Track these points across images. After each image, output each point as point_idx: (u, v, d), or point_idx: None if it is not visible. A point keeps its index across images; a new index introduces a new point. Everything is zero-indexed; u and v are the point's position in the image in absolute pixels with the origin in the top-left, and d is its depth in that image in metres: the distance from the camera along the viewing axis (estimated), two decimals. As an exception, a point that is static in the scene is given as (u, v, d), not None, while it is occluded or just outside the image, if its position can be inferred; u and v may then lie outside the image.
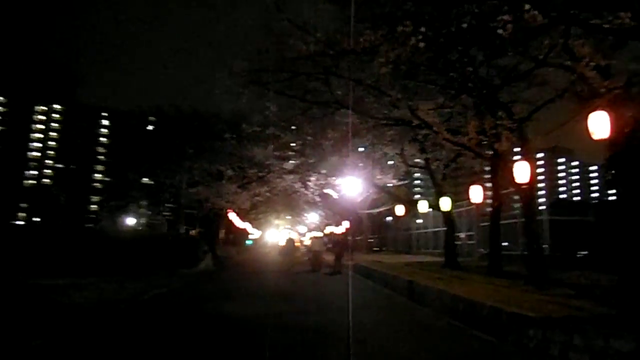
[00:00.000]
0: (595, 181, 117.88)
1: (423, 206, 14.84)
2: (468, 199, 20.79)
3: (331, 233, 34.05)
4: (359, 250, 34.67)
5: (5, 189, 72.38)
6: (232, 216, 31.38)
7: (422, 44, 6.93)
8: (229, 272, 17.10)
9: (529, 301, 6.55)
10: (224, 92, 10.12)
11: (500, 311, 5.91)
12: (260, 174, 21.97)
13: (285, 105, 11.76)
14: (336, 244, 20.78)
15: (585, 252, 15.97)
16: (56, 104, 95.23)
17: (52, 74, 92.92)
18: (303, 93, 11.04)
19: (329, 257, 19.27)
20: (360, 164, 16.51)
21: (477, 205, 18.63)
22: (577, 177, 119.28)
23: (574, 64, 7.71)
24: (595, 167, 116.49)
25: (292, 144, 15.14)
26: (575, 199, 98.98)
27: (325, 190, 22.57)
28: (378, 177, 18.30)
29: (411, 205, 18.35)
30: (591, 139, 6.38)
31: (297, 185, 21.76)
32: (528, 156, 9.06)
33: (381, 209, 27.74)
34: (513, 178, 9.26)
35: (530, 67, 11.16)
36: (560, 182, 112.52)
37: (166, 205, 31.67)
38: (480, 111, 10.99)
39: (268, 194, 24.02)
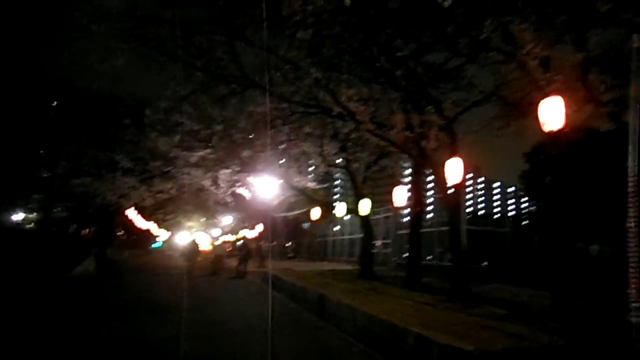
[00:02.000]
0: (497, 197, 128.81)
1: (341, 209, 13.57)
2: (386, 204, 20.26)
3: (243, 237, 31.98)
4: (273, 257, 32.97)
5: None
6: (132, 214, 27.98)
7: (347, 1, 5.50)
8: (114, 279, 14.41)
9: (459, 324, 5.45)
10: (97, 46, 7.82)
11: (430, 341, 4.57)
12: (164, 169, 19.32)
13: (184, 79, 9.68)
14: (242, 247, 19.36)
15: (486, 263, 15.86)
16: None
17: None
18: (204, 62, 9.10)
19: (234, 261, 17.60)
20: (276, 161, 14.83)
21: (397, 209, 17.90)
22: (482, 192, 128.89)
23: (514, 49, 6.81)
24: (498, 184, 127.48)
25: (197, 131, 12.96)
26: (479, 213, 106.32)
27: (238, 190, 20.55)
28: (296, 179, 16.76)
29: (329, 208, 17.06)
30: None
31: (207, 183, 19.48)
32: (458, 154, 8.04)
33: (297, 212, 26.29)
34: (441, 179, 8.22)
35: (459, 63, 10.42)
36: (467, 196, 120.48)
37: (47, 199, 27.11)
38: (407, 107, 9.95)
39: (173, 191, 21.31)
